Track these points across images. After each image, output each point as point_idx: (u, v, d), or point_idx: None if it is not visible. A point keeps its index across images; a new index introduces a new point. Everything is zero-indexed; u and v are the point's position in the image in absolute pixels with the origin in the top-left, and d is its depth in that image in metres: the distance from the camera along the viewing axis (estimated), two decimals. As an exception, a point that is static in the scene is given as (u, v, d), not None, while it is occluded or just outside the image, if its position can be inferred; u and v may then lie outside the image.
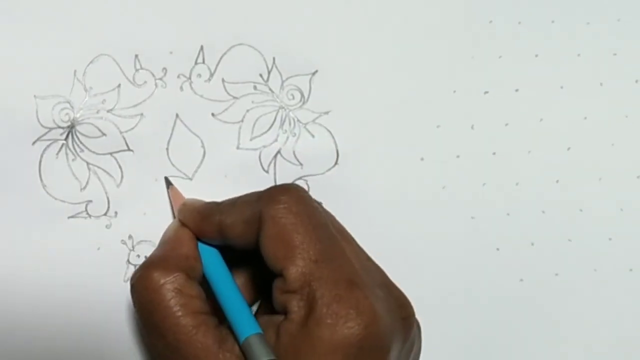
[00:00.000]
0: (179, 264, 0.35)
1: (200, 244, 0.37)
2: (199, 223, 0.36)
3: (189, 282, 0.34)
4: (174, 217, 0.40)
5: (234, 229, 0.35)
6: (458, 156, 0.42)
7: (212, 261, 0.36)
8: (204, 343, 0.33)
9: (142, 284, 0.34)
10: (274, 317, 0.34)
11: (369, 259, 0.36)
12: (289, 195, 0.34)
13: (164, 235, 0.38)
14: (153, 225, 0.40)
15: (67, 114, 0.40)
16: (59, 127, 0.40)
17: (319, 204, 0.36)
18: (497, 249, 0.42)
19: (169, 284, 0.34)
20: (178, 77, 0.41)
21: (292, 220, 0.33)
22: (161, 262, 0.35)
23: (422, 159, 0.42)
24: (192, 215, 0.37)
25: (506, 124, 0.43)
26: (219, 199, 0.40)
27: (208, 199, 0.40)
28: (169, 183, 0.40)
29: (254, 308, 0.39)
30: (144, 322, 0.35)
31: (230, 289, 0.35)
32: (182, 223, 0.37)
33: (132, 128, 0.41)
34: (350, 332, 0.31)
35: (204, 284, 0.36)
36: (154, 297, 0.34)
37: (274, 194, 0.34)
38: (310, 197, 0.35)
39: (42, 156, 0.40)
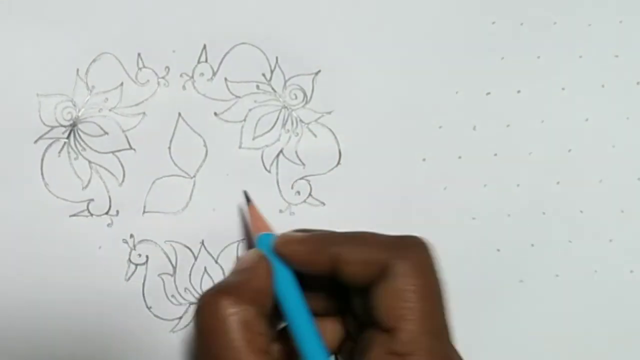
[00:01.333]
0: (252, 297, 0.33)
1: (278, 267, 0.35)
2: (308, 254, 0.35)
3: (258, 318, 0.33)
4: (249, 235, 0.40)
5: (351, 267, 0.33)
6: (460, 157, 0.42)
7: (286, 284, 0.35)
8: None
9: (209, 309, 0.33)
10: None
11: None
12: (424, 255, 0.33)
13: (241, 263, 0.36)
14: (154, 224, 0.41)
15: (69, 112, 0.40)
16: (61, 125, 0.40)
17: None
18: (498, 250, 0.43)
19: (236, 316, 0.32)
20: (181, 75, 0.41)
21: (423, 282, 0.32)
22: (233, 290, 0.33)
23: (423, 160, 0.42)
24: (298, 247, 0.35)
25: (508, 125, 0.43)
26: (221, 198, 0.41)
27: (209, 198, 0.41)
28: (248, 199, 0.40)
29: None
30: (202, 347, 0.33)
31: (301, 313, 0.34)
32: (262, 254, 0.36)
33: (134, 127, 0.40)
34: None
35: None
36: (220, 325, 0.32)
37: (406, 250, 0.33)
38: (437, 258, 0.34)
39: (44, 154, 0.40)
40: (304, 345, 0.33)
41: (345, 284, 0.34)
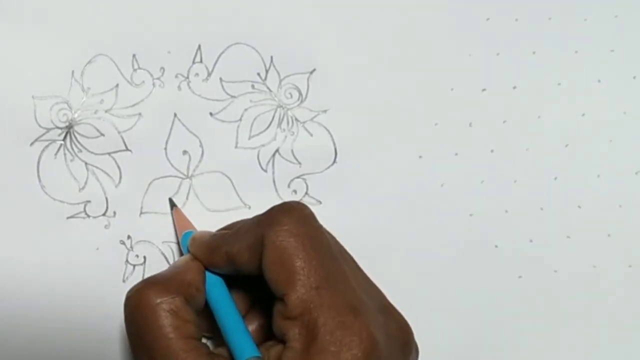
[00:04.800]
0: (180, 288, 0.34)
1: (207, 273, 0.36)
2: (209, 256, 0.36)
3: (185, 307, 0.33)
4: (177, 237, 0.40)
5: (241, 257, 0.34)
6: (456, 154, 0.42)
7: (216, 288, 0.36)
8: None
9: (137, 300, 0.33)
10: (274, 344, 0.33)
11: (369, 282, 0.35)
12: (290, 217, 0.33)
13: (173, 263, 0.37)
14: (152, 225, 0.41)
15: (65, 114, 0.40)
16: (57, 127, 0.40)
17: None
18: (496, 246, 0.43)
19: (165, 304, 0.33)
20: (176, 76, 0.41)
21: (293, 243, 0.32)
22: (161, 282, 0.34)
23: (420, 157, 0.42)
24: (201, 249, 0.36)
25: (504, 121, 0.43)
26: (216, 199, 0.41)
27: (205, 198, 0.41)
28: (172, 204, 0.40)
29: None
30: (133, 339, 0.34)
31: (231, 313, 0.35)
32: (194, 257, 0.37)
33: (130, 128, 0.41)
34: (354, 359, 0.31)
35: (208, 315, 0.36)
36: (148, 315, 0.33)
37: (274, 216, 0.33)
38: (313, 215, 0.34)
39: (40, 157, 0.40)
40: (231, 342, 0.34)
41: (250, 275, 0.35)
